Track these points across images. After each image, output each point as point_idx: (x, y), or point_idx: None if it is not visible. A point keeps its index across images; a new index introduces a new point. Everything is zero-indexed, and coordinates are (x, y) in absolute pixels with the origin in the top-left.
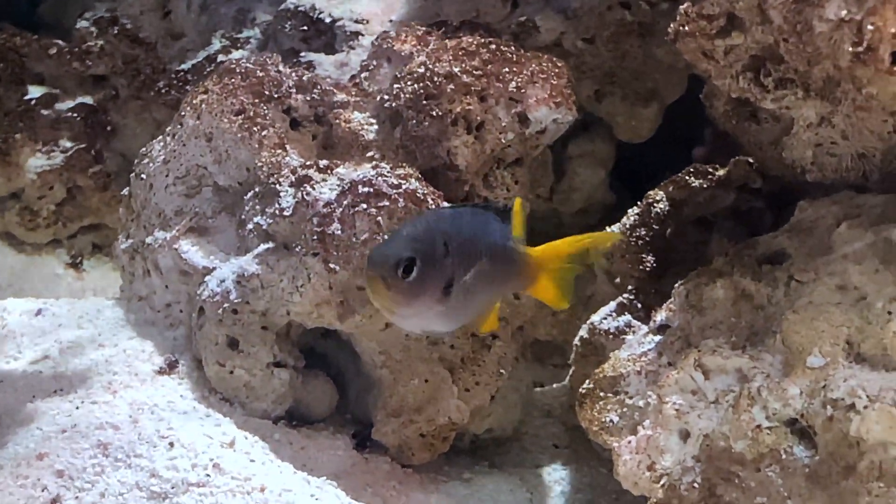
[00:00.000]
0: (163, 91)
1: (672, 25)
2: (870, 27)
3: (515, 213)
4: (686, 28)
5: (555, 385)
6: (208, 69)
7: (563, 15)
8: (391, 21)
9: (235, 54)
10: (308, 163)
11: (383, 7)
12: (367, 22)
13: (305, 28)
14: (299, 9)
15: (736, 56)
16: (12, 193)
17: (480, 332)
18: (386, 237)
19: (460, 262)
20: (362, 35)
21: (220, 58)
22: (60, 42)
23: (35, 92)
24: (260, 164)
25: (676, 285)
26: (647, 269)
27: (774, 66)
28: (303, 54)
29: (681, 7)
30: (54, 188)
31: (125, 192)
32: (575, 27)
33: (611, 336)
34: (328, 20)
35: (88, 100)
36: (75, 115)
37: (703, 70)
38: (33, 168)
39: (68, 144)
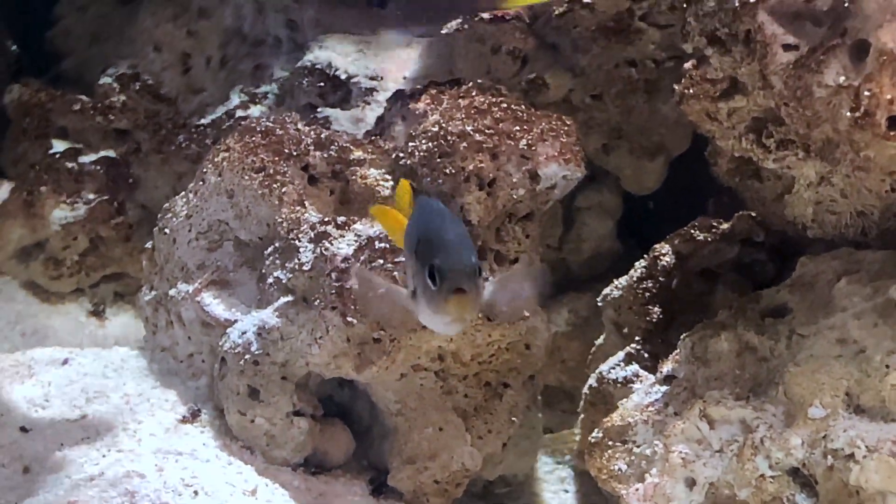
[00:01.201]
0: (183, 145)
1: (678, 87)
2: (867, 93)
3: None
4: (691, 91)
5: (564, 431)
6: (227, 123)
7: (571, 72)
8: (405, 78)
9: (254, 109)
10: (326, 219)
11: (398, 64)
12: (382, 79)
13: (322, 84)
14: (316, 66)
15: (739, 118)
16: (37, 244)
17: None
18: (442, 240)
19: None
20: (377, 91)
21: (239, 112)
22: (84, 97)
23: (59, 146)
24: (280, 219)
25: (682, 337)
26: (654, 320)
27: (776, 128)
28: (319, 110)
29: (685, 69)
30: (78, 239)
31: (149, 245)
32: (583, 84)
33: (619, 385)
34: (344, 76)
35: (111, 153)
36: (98, 167)
37: (707, 130)
38: (57, 220)
39: (91, 196)
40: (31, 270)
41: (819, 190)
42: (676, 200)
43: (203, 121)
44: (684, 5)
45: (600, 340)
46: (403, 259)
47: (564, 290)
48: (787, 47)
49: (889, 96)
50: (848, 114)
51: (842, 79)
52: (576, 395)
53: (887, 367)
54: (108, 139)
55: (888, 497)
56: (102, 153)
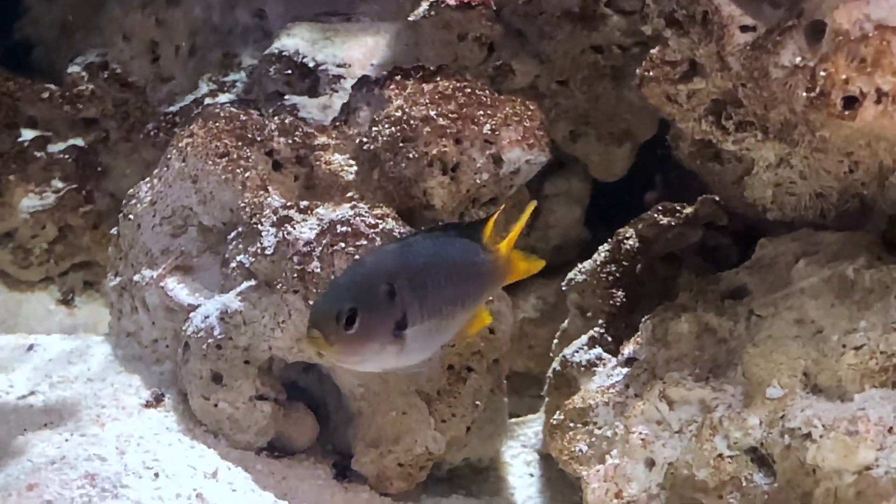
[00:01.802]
0: (152, 133)
1: (638, 70)
2: (822, 73)
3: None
4: (651, 73)
5: (530, 416)
6: (195, 111)
7: (537, 59)
8: (372, 65)
9: (222, 97)
10: (289, 203)
11: (365, 52)
12: (350, 66)
13: (290, 72)
14: (283, 53)
15: (698, 100)
16: (6, 233)
17: (470, 335)
18: (324, 288)
19: (413, 298)
20: (344, 78)
21: (208, 100)
22: (52, 86)
23: (28, 135)
24: (243, 204)
25: (644, 319)
26: (618, 303)
27: (734, 110)
28: (287, 97)
29: (649, 53)
30: (46, 227)
31: (114, 231)
32: (549, 71)
33: (582, 368)
34: (311, 64)
35: (80, 142)
36: (67, 156)
37: (668, 113)
38: (26, 208)
39: (60, 185)
40: None
41: (778, 172)
42: (644, 187)
43: (172, 109)
44: None
45: (565, 324)
46: (365, 243)
47: (532, 277)
48: (744, 28)
49: (844, 76)
50: (804, 94)
51: (798, 59)
52: (543, 380)
53: (844, 346)
54: (77, 128)
55: (844, 475)
56: (71, 142)
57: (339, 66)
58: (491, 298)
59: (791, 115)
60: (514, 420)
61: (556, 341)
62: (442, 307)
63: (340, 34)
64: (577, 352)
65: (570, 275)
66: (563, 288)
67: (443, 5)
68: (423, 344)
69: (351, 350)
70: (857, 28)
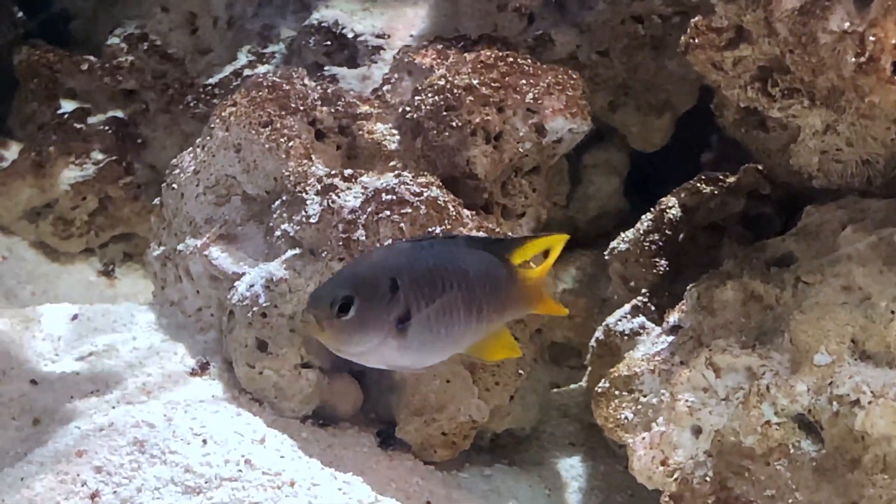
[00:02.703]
0: (191, 105)
1: (683, 38)
2: (871, 38)
3: (528, 246)
4: (696, 41)
5: (571, 386)
6: (234, 83)
7: (577, 29)
8: (412, 36)
9: (261, 69)
10: (333, 172)
11: (404, 22)
12: (389, 37)
13: (329, 43)
14: (323, 24)
15: (744, 67)
16: (46, 204)
17: (490, 360)
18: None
19: (418, 295)
20: (384, 49)
21: (247, 72)
22: (92, 58)
23: (68, 106)
24: (287, 173)
25: (688, 287)
26: (661, 272)
27: (781, 77)
28: (326, 68)
29: (692, 20)
30: (87, 199)
31: (157, 201)
32: (589, 41)
33: (625, 337)
34: (350, 35)
35: (119, 113)
36: (107, 128)
37: (713, 81)
38: (67, 180)
39: (100, 157)
40: (40, 230)
41: (824, 139)
42: (683, 157)
43: (210, 81)
44: None
45: (607, 293)
46: (410, 211)
47: (572, 248)
48: None
49: (894, 41)
50: (853, 59)
51: (846, 24)
52: (583, 351)
53: (892, 313)
54: (117, 99)
55: (893, 441)
56: (111, 113)
57: (378, 36)
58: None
59: (839, 80)
60: (555, 390)
61: (597, 311)
62: (451, 311)
63: (379, 5)
64: (621, 320)
65: (613, 244)
66: (606, 257)
67: None
68: (429, 345)
69: (345, 338)
70: None
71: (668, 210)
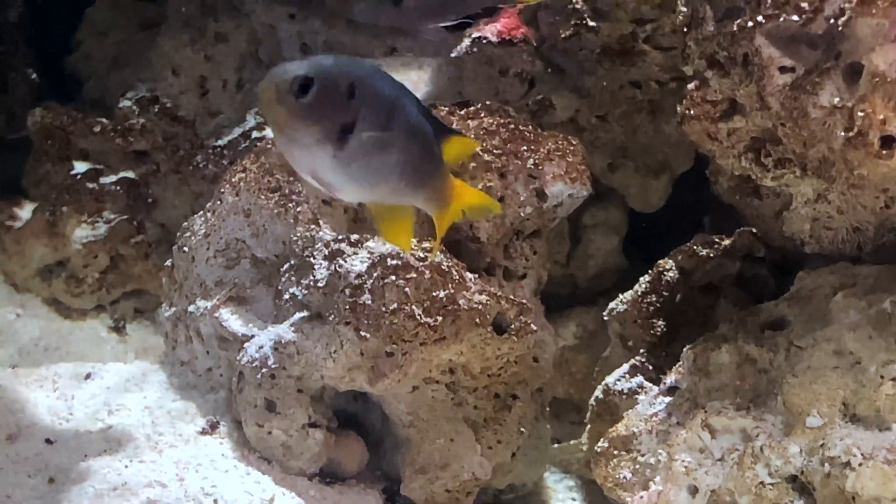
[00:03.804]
0: (200, 165)
1: (679, 108)
2: (860, 114)
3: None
4: (692, 112)
5: (572, 441)
6: (243, 144)
7: (577, 94)
8: None
9: (269, 131)
10: (340, 237)
11: (408, 86)
12: None
13: None
14: None
15: (738, 138)
16: (59, 262)
17: (386, 238)
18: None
19: (370, 114)
20: None
21: (255, 134)
22: (104, 120)
23: (80, 167)
24: (295, 238)
25: (685, 349)
26: (658, 333)
27: (773, 148)
28: None
29: (688, 90)
30: (98, 257)
31: (168, 263)
32: (589, 105)
33: (624, 396)
34: None
35: (131, 174)
36: (118, 188)
37: (708, 150)
38: (79, 238)
39: (112, 216)
40: (53, 288)
41: (816, 207)
42: (680, 217)
43: (220, 142)
44: (685, 29)
45: (606, 353)
46: (415, 276)
47: (572, 305)
48: (783, 69)
49: (881, 116)
50: (842, 133)
51: (836, 100)
52: (583, 406)
53: (882, 377)
54: (128, 160)
55: (882, 502)
56: (122, 174)
57: None
58: (535, 329)
59: (829, 153)
60: (556, 446)
61: (597, 369)
62: (390, 150)
63: (384, 69)
64: (619, 380)
65: (612, 305)
66: (605, 317)
67: (484, 42)
68: (358, 170)
69: (294, 120)
70: (894, 70)
71: (665, 272)
